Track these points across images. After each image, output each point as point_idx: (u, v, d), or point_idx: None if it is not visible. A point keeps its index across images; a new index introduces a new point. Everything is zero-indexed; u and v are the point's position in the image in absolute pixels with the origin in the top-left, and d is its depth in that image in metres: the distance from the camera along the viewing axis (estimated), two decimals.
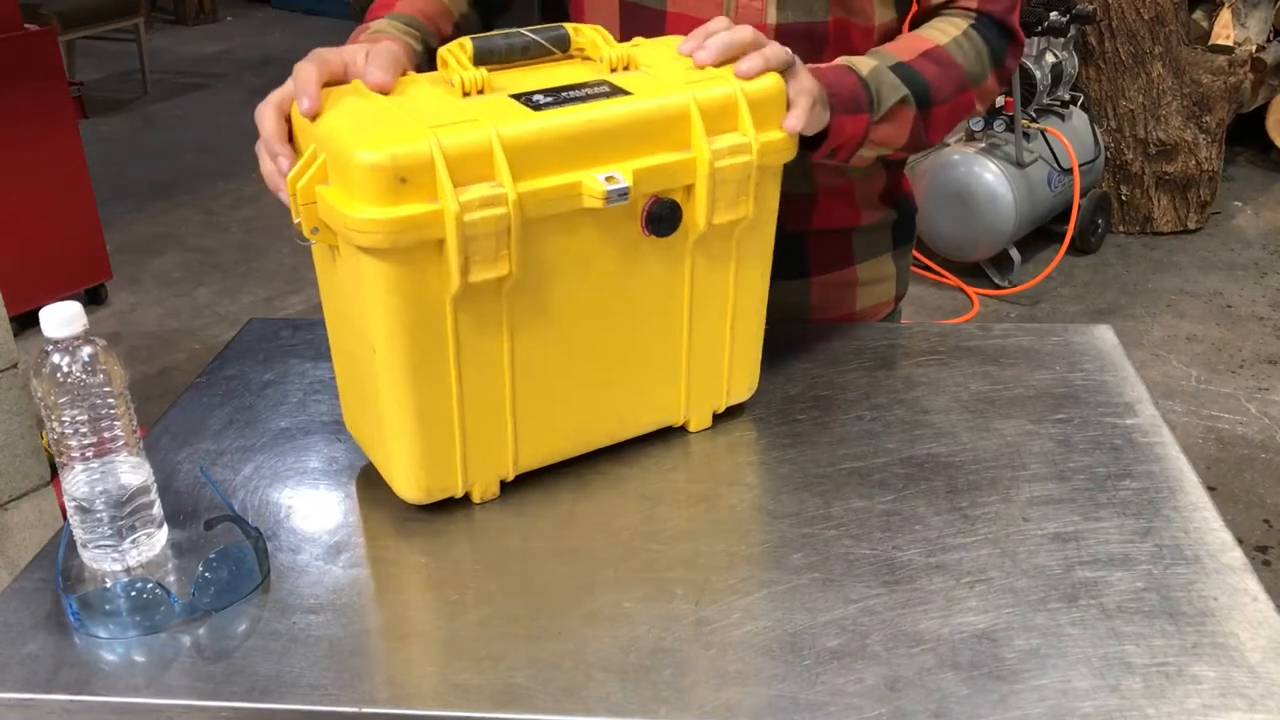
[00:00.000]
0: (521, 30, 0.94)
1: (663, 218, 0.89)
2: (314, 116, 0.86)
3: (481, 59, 0.91)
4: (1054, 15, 3.70)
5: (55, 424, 0.83)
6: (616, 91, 0.89)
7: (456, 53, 0.90)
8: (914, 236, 1.36)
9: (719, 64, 0.93)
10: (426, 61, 1.07)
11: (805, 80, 0.96)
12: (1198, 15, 4.52)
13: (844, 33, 1.13)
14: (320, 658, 0.78)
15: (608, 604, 0.82)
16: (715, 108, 0.89)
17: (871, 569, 0.85)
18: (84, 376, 0.82)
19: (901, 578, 0.84)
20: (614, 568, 0.86)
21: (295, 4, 7.95)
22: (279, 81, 0.90)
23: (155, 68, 6.30)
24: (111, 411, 0.84)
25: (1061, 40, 3.79)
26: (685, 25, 1.13)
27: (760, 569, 0.86)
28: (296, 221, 0.87)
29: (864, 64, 1.06)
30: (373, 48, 0.93)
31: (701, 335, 0.98)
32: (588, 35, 0.95)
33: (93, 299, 3.72)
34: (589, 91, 0.89)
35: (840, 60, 1.06)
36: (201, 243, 4.30)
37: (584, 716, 0.73)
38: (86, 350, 0.83)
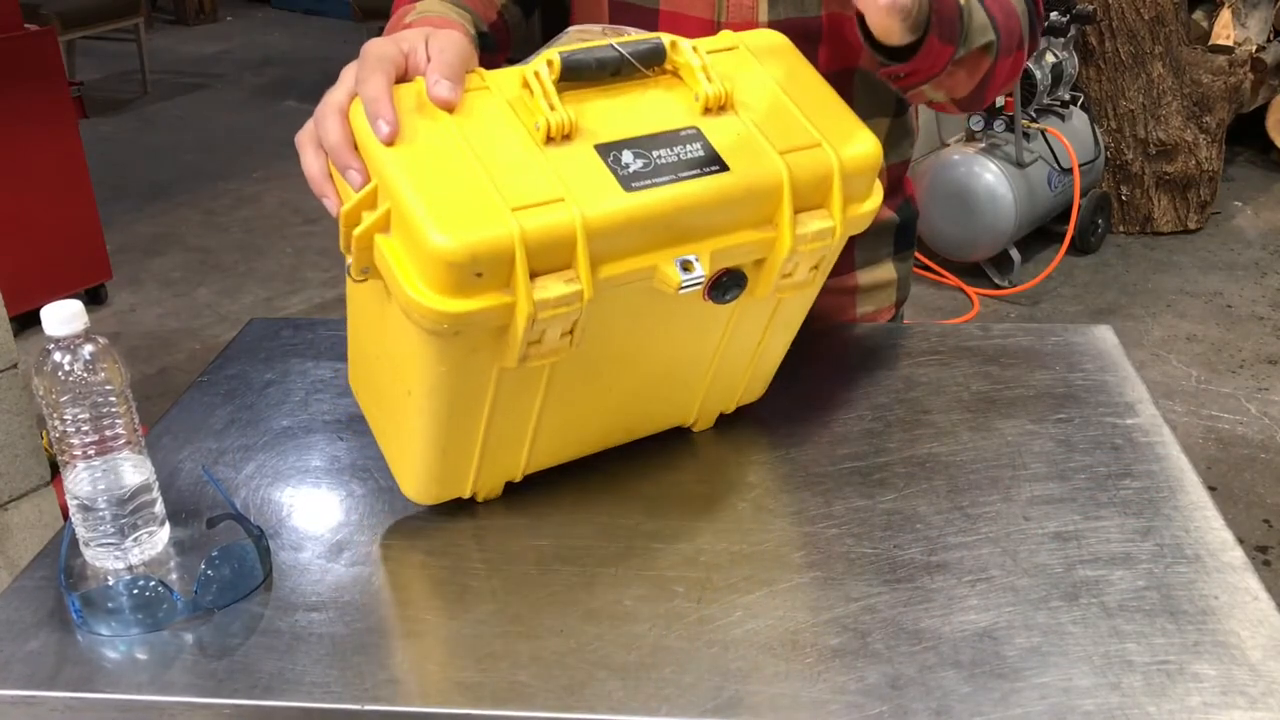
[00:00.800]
0: (613, 43, 0.85)
1: (728, 289, 0.84)
2: (394, 142, 0.77)
3: (568, 77, 0.82)
4: (1054, 15, 3.71)
5: (57, 422, 0.83)
6: (710, 159, 0.81)
7: (543, 75, 0.81)
8: (915, 242, 1.33)
9: None
10: (480, 48, 0.99)
11: None
12: (1198, 15, 4.53)
13: (838, 27, 1.10)
14: (322, 655, 0.78)
15: (609, 602, 0.83)
16: (809, 183, 0.83)
17: (873, 567, 0.85)
18: (85, 375, 0.82)
19: (903, 576, 0.84)
20: (615, 566, 0.86)
21: (295, 4, 7.95)
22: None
23: (155, 68, 6.30)
24: (113, 409, 0.84)
25: (1061, 40, 3.80)
26: (678, 24, 1.11)
27: (761, 567, 0.86)
28: (347, 261, 0.80)
29: None
30: (434, 37, 0.84)
31: (730, 360, 0.96)
32: (684, 55, 0.86)
33: (93, 299, 3.72)
34: (680, 154, 0.81)
35: None
36: (201, 243, 4.31)
37: (586, 714, 0.73)
38: (88, 348, 0.83)
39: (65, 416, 0.83)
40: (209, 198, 4.72)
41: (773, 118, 0.86)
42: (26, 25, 3.40)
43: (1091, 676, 0.75)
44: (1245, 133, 4.64)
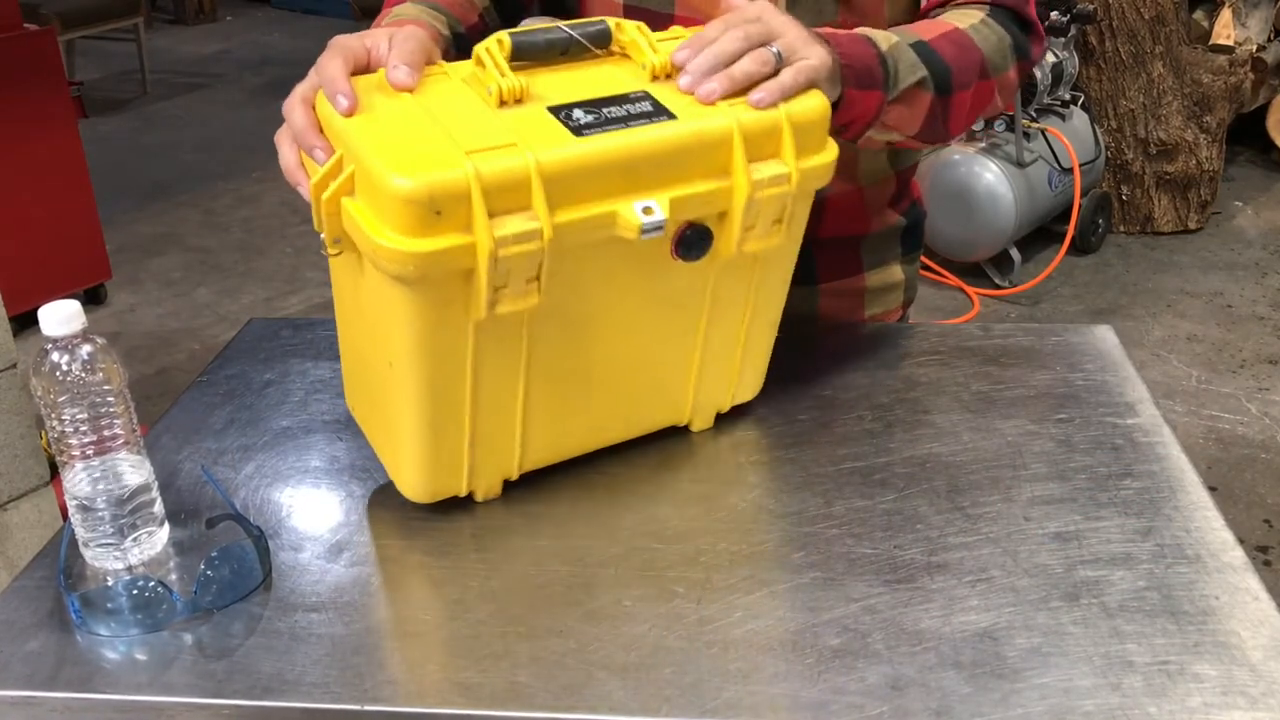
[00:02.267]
0: (561, 25, 0.90)
1: (694, 244, 0.86)
2: (353, 113, 0.82)
3: (519, 56, 0.87)
4: (1054, 15, 3.70)
5: (55, 422, 0.83)
6: (659, 111, 0.85)
7: (494, 51, 0.86)
8: (922, 243, 1.33)
9: (727, 95, 0.87)
10: (455, 49, 1.03)
11: (812, 56, 0.90)
12: (1198, 15, 4.53)
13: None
14: (322, 656, 0.78)
15: (609, 602, 0.82)
16: (759, 133, 0.86)
17: (873, 568, 0.85)
18: (83, 374, 0.82)
19: (903, 577, 0.84)
20: (615, 566, 0.86)
21: (295, 4, 7.95)
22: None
23: (155, 68, 6.30)
24: (111, 409, 0.84)
25: (1061, 40, 3.80)
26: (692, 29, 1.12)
27: (762, 568, 0.86)
28: (321, 236, 0.84)
29: (883, 38, 1.00)
30: (396, 34, 0.89)
31: (715, 344, 0.97)
32: (629, 34, 0.91)
33: (92, 299, 3.72)
34: (630, 109, 0.85)
35: (859, 31, 1.00)
36: (201, 243, 4.31)
37: (586, 714, 0.73)
38: (86, 348, 0.83)
39: (64, 416, 0.83)
40: (209, 198, 4.71)
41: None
42: (26, 25, 3.40)
43: (1092, 677, 0.75)
44: (1245, 133, 4.64)
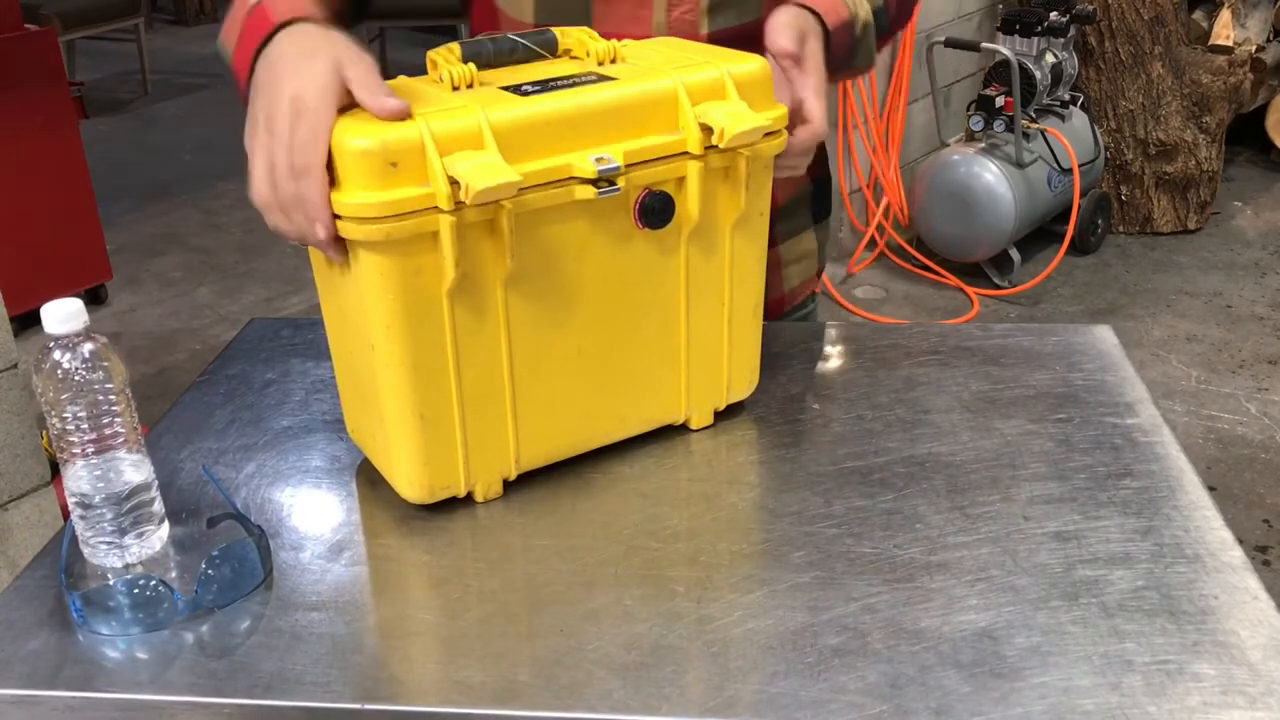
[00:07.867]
0: (509, 34, 0.95)
1: (655, 210, 0.89)
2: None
3: (469, 61, 0.91)
4: (1054, 15, 3.71)
5: (56, 420, 0.83)
6: (604, 79, 0.89)
7: (445, 54, 0.91)
8: (830, 208, 1.36)
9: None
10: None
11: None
12: (1198, 15, 4.53)
13: None
14: (322, 655, 0.78)
15: (609, 602, 0.83)
16: (703, 90, 0.89)
17: (873, 567, 0.85)
18: (85, 373, 0.82)
19: (902, 576, 0.84)
20: (615, 566, 0.86)
21: None
22: None
23: (155, 68, 6.31)
24: (113, 408, 0.84)
25: (1061, 40, 3.80)
26: None
27: (761, 567, 0.86)
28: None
29: (862, 8, 1.07)
30: (344, 64, 0.83)
31: (699, 329, 0.98)
32: (574, 35, 0.96)
33: (93, 299, 3.72)
34: (576, 80, 0.89)
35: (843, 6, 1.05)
36: (201, 243, 4.31)
37: (586, 713, 0.73)
38: (87, 346, 0.83)
39: (64, 414, 0.83)
40: (209, 198, 4.72)
41: (661, 59, 0.94)
42: (26, 25, 3.40)
43: (1091, 676, 0.75)
44: (1245, 133, 4.65)
